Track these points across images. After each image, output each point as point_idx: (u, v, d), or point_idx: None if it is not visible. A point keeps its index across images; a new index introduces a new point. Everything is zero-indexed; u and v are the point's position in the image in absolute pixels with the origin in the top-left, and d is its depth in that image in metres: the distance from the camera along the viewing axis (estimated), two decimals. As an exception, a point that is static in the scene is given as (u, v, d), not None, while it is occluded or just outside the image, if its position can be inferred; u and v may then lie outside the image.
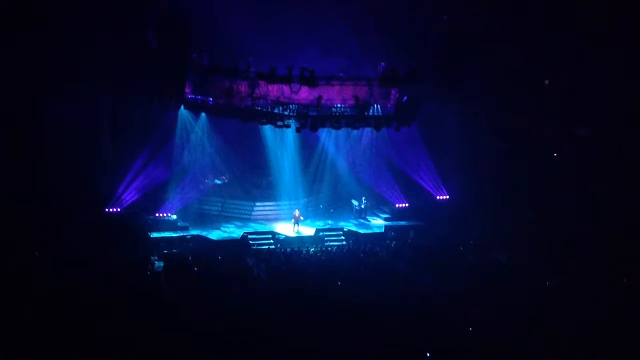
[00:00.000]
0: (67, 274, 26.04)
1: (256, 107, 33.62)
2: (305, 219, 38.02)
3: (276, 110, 33.65)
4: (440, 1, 37.12)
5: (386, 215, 39.73)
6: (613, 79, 36.44)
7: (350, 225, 38.17)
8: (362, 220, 39.34)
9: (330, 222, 38.78)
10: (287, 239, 35.77)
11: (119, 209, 34.86)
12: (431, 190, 40.02)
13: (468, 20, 36.32)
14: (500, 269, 30.83)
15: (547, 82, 39.69)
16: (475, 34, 36.24)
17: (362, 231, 37.43)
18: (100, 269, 27.29)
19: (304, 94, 33.34)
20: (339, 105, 34.35)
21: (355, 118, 34.60)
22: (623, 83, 36.24)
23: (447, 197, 40.02)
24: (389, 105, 36.32)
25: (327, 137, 39.04)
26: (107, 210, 34.57)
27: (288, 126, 33.90)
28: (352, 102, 34.25)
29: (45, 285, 25.00)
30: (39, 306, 22.96)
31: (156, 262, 31.20)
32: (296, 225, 36.88)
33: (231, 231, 36.51)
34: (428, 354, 21.71)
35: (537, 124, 38.44)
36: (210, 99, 34.24)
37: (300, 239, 35.93)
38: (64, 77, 32.48)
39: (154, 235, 34.24)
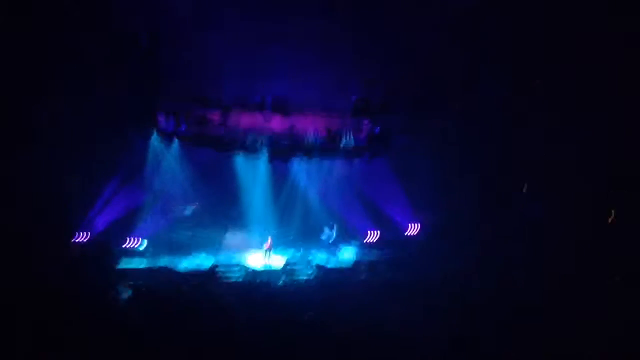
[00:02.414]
0: (33, 305, 25.40)
1: (229, 136, 33.51)
2: (276, 249, 37.70)
3: (248, 139, 33.54)
4: (417, 36, 37.25)
5: (356, 247, 39.58)
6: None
7: (320, 256, 37.90)
8: (332, 251, 39.15)
9: (300, 252, 38.55)
10: (257, 271, 35.38)
11: (85, 239, 34.18)
12: (403, 223, 39.99)
13: (446, 54, 36.44)
14: (474, 298, 30.68)
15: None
16: (452, 69, 36.42)
17: (331, 263, 37.10)
18: (67, 299, 26.68)
19: (277, 123, 33.39)
20: (311, 134, 34.30)
21: (327, 149, 34.61)
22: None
23: (419, 229, 40.01)
24: (361, 137, 36.38)
25: (299, 167, 39.00)
26: (74, 240, 33.89)
27: (260, 155, 33.76)
28: (324, 132, 34.31)
29: (11, 315, 24.33)
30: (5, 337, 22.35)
31: (123, 293, 30.63)
32: (267, 255, 36.54)
33: (200, 262, 35.98)
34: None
35: (510, 157, 38.50)
36: (183, 127, 34.06)
37: (270, 271, 35.54)
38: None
39: (122, 266, 33.58)
